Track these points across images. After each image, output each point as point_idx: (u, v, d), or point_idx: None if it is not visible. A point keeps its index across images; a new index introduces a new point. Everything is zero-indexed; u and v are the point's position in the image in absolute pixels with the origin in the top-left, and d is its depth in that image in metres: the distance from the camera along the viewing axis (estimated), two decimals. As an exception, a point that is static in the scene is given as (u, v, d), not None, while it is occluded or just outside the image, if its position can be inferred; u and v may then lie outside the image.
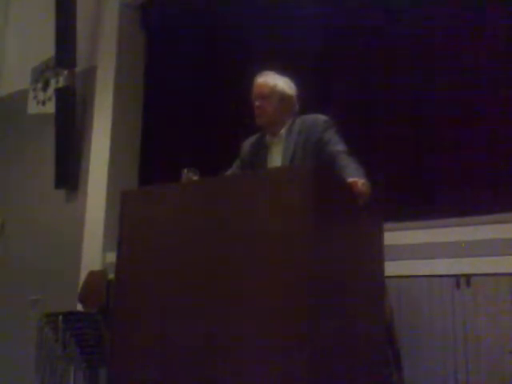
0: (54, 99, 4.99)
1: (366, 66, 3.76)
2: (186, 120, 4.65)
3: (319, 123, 2.64)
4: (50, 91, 5.17)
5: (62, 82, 5.05)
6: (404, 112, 3.58)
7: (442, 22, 3.50)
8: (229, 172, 2.83)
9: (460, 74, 3.39)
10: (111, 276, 3.99)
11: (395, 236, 2.96)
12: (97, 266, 4.35)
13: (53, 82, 5.19)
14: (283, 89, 2.71)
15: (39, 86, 5.34)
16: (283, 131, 2.69)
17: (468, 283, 2.96)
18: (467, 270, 2.97)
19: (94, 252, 4.48)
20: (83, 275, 4.30)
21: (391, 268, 2.61)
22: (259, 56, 4.01)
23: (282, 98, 2.70)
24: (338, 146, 2.57)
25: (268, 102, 2.68)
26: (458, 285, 2.99)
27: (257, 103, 2.69)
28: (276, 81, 2.72)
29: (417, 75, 3.56)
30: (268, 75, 2.74)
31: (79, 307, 4.15)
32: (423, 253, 3.11)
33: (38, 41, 5.33)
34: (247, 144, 2.85)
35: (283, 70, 2.79)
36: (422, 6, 3.57)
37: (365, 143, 3.55)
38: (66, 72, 4.98)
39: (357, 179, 2.24)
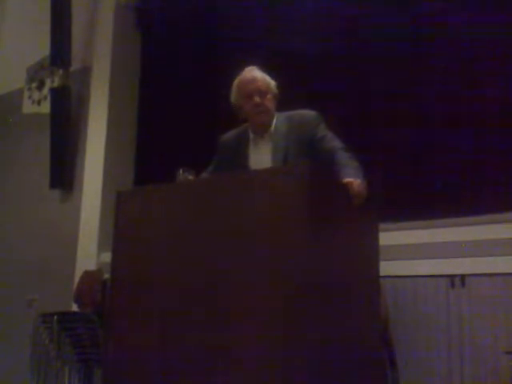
0: (49, 99, 4.98)
1: (365, 65, 3.76)
2: (182, 120, 4.63)
3: (311, 119, 2.59)
4: (45, 91, 5.16)
5: (57, 82, 5.03)
6: (402, 111, 3.59)
7: (443, 21, 3.51)
8: (205, 173, 2.72)
9: (459, 72, 3.40)
10: (107, 276, 3.97)
11: (391, 236, 2.96)
12: (92, 266, 4.34)
13: (48, 82, 5.18)
14: (274, 86, 2.66)
15: (34, 85, 5.32)
16: (272, 129, 2.62)
17: (463, 283, 2.97)
18: (462, 270, 2.98)
19: (90, 252, 4.47)
20: (78, 275, 4.28)
21: (387, 268, 2.61)
22: (257, 55, 3.98)
23: (275, 95, 2.65)
24: (334, 141, 2.52)
25: (266, 98, 2.60)
26: (452, 285, 3.00)
27: (257, 99, 2.58)
28: (268, 77, 2.65)
29: (416, 75, 3.56)
30: (258, 70, 2.66)
31: (74, 307, 4.14)
32: (418, 253, 3.12)
33: (33, 40, 5.30)
34: (227, 141, 2.76)
35: (283, 68, 2.76)
36: (421, 2, 3.58)
37: (363, 143, 3.54)
38: (61, 71, 4.97)
39: (352, 180, 2.23)
